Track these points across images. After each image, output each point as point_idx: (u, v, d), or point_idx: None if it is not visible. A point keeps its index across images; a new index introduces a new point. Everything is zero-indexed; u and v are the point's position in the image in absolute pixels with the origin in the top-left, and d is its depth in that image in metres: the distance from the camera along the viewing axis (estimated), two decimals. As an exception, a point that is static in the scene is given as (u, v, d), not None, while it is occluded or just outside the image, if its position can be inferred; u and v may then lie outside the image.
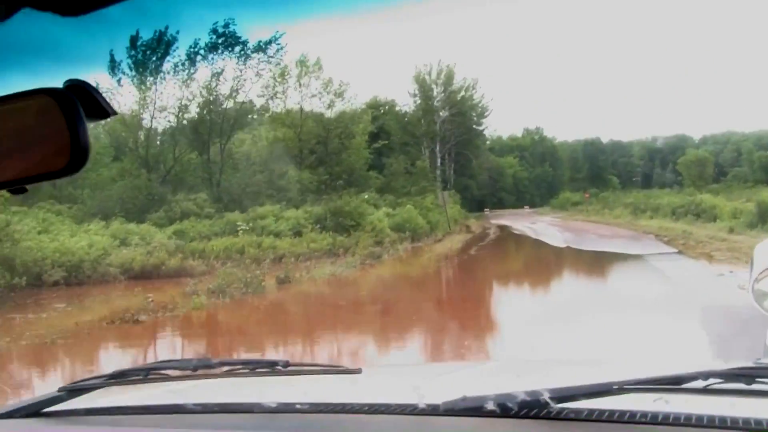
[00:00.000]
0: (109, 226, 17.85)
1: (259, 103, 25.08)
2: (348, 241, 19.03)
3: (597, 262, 16.96)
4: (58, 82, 0.89)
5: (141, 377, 1.65)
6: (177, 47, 19.28)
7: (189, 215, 19.21)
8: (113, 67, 18.87)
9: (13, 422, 1.49)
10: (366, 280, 15.86)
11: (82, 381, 1.69)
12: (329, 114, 24.84)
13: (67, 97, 0.87)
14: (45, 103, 0.89)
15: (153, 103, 21.70)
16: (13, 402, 1.75)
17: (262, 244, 18.09)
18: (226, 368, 1.65)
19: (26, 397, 1.71)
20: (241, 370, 1.62)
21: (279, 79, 23.67)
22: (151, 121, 22.27)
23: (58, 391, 1.63)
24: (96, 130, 20.65)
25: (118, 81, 19.71)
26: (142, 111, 22.03)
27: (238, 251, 17.56)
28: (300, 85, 24.22)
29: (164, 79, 20.71)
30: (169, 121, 22.54)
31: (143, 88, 20.92)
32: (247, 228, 18.50)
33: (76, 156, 0.88)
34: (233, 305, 12.69)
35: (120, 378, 1.66)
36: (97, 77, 17.84)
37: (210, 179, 21.87)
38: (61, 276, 15.58)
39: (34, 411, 1.57)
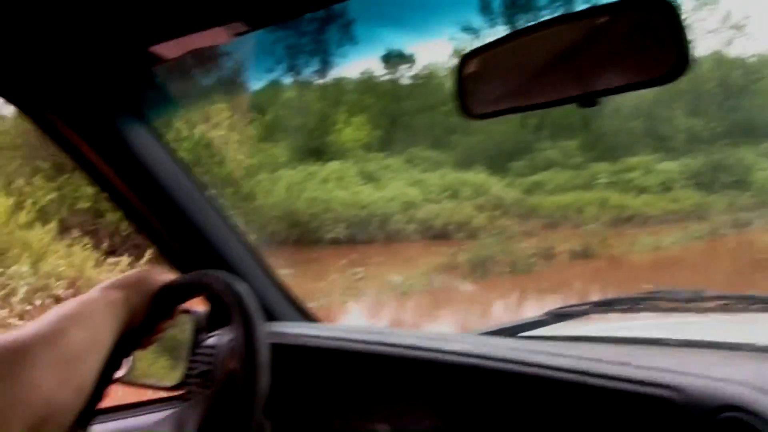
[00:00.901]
0: (445, 176, 17.20)
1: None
2: (718, 201, 16.16)
3: None
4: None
5: (628, 306, 1.65)
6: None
7: (553, 165, 18.18)
8: (484, 6, 18.09)
9: (500, 340, 1.52)
10: (697, 260, 13.06)
11: (569, 306, 1.76)
12: (730, 52, 21.58)
13: (668, 6, 0.90)
14: (653, 11, 0.92)
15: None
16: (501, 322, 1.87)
17: (608, 202, 16.10)
18: (720, 302, 1.58)
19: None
20: (736, 305, 1.56)
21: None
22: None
23: (545, 315, 1.74)
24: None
25: (491, 21, 18.77)
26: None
27: (577, 210, 15.88)
28: (694, 20, 20.71)
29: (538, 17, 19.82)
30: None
31: (515, 27, 20.25)
32: (608, 181, 16.86)
33: (678, 64, 0.90)
34: (464, 291, 11.01)
35: (607, 306, 1.72)
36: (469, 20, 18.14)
37: (586, 125, 20.04)
38: (341, 233, 14.46)
39: (519, 332, 1.67)
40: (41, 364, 0.89)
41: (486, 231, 14.30)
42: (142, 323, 1.18)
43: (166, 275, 1.24)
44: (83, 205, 11.30)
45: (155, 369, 1.76)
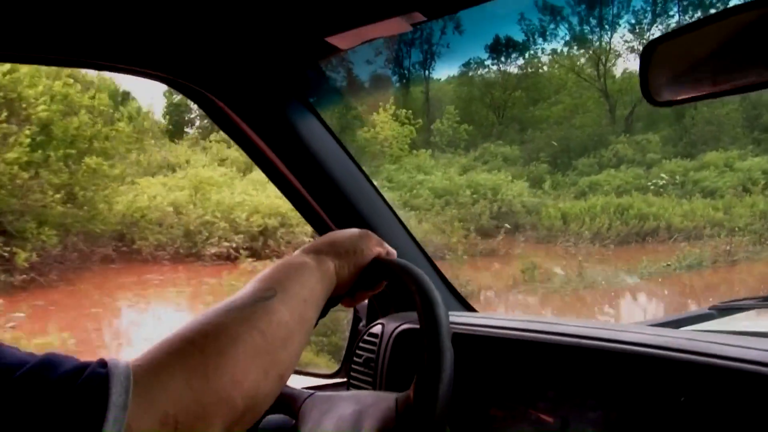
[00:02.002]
0: (465, 172, 15.35)
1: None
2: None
3: None
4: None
5: None
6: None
7: (624, 162, 15.98)
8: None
9: (670, 331, 1.43)
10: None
11: (734, 301, 1.75)
12: None
13: None
14: None
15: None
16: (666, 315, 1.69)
17: (630, 210, 13.30)
18: None
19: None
20: None
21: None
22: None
23: (709, 309, 1.73)
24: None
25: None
26: (601, 31, 18.38)
27: (581, 222, 13.16)
28: None
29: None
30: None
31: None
32: (667, 183, 14.33)
33: None
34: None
35: None
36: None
37: (678, 115, 17.17)
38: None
39: (683, 325, 1.64)
40: (245, 356, 0.81)
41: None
42: (346, 292, 1.14)
43: (379, 247, 1.17)
44: None
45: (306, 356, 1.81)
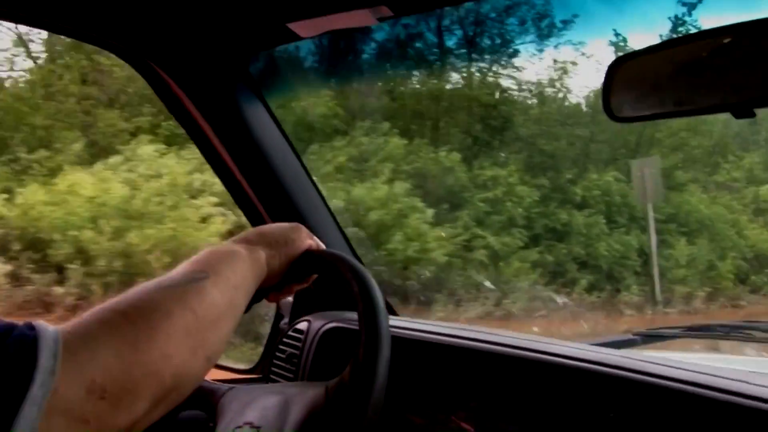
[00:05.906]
0: None
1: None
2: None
3: None
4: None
5: (722, 333, 1.62)
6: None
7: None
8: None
9: (601, 349, 1.36)
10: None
11: (659, 328, 1.75)
12: None
13: None
14: None
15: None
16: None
17: None
18: None
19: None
20: None
21: None
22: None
23: (633, 334, 1.70)
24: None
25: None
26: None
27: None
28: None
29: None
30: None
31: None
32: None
33: None
34: None
35: (700, 331, 1.68)
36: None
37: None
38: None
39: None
40: (176, 333, 0.81)
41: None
42: (276, 284, 1.13)
43: (310, 240, 1.17)
44: None
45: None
